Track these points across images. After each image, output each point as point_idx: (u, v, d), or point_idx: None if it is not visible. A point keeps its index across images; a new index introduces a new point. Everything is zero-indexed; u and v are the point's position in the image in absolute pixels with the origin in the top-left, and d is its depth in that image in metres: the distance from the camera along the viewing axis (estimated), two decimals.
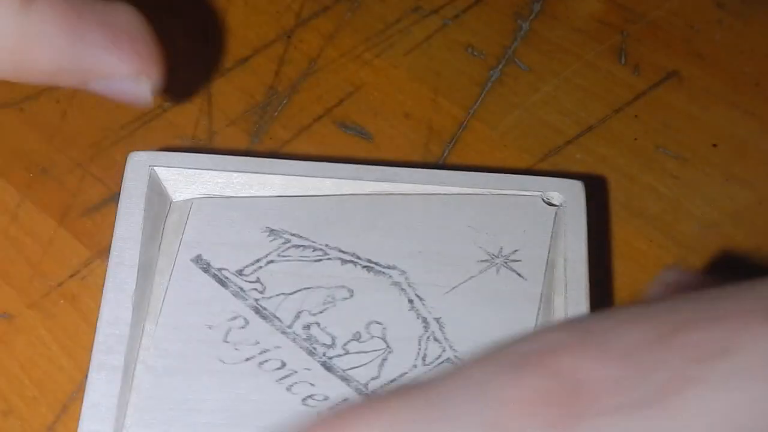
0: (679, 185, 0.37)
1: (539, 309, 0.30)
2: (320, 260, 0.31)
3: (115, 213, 0.31)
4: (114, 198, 0.34)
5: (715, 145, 0.38)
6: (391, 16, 0.41)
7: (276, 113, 0.38)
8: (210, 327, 0.29)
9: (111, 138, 0.36)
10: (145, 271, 0.30)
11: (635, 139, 0.38)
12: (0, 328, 0.31)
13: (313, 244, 0.31)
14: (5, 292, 0.32)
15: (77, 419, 0.29)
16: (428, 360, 0.29)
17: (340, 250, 0.31)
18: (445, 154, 0.37)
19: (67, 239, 0.33)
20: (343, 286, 0.30)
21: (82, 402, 0.27)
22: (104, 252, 0.33)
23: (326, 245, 0.31)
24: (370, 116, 0.38)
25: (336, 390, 0.28)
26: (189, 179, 0.32)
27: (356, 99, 0.39)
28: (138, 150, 0.32)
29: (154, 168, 0.32)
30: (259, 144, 0.37)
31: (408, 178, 0.32)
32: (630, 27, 0.42)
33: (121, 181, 0.32)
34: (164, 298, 0.30)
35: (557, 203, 0.32)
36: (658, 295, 0.26)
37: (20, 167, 0.35)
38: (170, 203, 0.32)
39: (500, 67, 0.40)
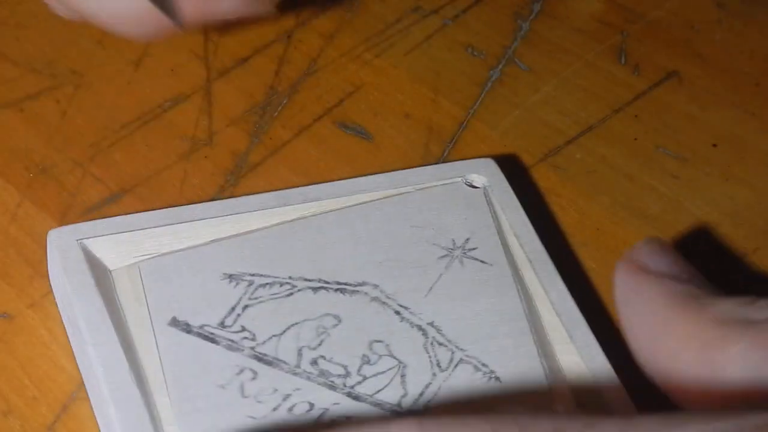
0: (679, 185, 0.37)
1: (518, 289, 0.31)
2: (291, 294, 0.30)
3: (60, 299, 0.30)
4: (114, 198, 0.34)
5: (715, 145, 0.38)
6: (391, 16, 0.41)
7: (276, 113, 0.38)
8: (223, 387, 0.28)
9: (111, 138, 0.36)
10: (129, 350, 0.28)
11: (635, 139, 0.38)
12: (0, 328, 0.31)
13: (277, 279, 0.30)
14: (5, 292, 0.32)
15: (77, 419, 0.29)
16: (443, 365, 0.29)
17: (305, 279, 0.30)
18: (445, 154, 0.37)
19: None
20: (327, 314, 0.29)
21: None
22: None
23: (289, 277, 0.30)
24: (370, 116, 0.38)
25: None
26: (122, 244, 0.30)
27: (356, 99, 0.39)
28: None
29: (83, 241, 0.30)
30: (259, 144, 0.37)
31: (331, 193, 0.32)
32: (630, 27, 0.42)
33: (48, 267, 0.31)
34: (163, 371, 0.28)
35: (479, 185, 0.33)
36: (623, 283, 0.27)
37: (20, 167, 0.35)
38: (110, 272, 0.30)
39: (500, 67, 0.40)
